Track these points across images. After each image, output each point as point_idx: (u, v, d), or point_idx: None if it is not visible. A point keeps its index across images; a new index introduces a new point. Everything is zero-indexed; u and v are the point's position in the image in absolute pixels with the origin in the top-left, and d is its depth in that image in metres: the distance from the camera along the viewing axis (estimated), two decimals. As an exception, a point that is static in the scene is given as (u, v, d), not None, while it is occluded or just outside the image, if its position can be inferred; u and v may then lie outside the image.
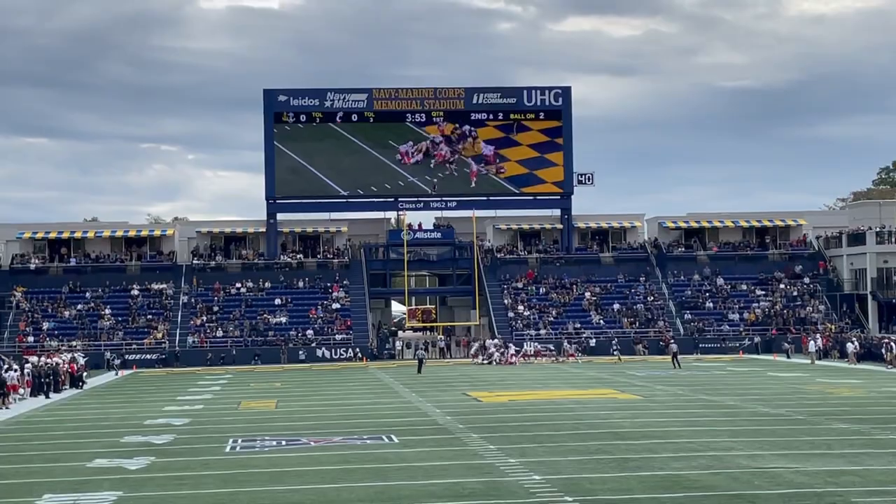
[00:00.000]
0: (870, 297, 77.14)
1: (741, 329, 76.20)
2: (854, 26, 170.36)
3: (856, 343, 62.31)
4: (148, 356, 72.08)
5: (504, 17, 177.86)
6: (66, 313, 76.43)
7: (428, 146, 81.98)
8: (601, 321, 77.30)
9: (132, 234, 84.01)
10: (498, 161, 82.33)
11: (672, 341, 64.65)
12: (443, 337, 77.42)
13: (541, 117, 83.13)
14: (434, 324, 79.94)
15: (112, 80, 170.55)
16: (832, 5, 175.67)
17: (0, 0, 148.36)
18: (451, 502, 19.25)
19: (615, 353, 70.46)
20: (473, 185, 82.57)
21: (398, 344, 76.08)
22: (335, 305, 78.63)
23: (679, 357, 59.55)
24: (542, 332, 75.12)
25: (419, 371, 59.34)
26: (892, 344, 57.81)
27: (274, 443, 28.88)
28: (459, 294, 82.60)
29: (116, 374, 65.25)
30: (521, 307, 78.58)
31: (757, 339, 73.61)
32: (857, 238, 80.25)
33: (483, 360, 67.94)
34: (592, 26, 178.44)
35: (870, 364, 58.87)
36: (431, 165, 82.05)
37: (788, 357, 66.14)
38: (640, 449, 26.16)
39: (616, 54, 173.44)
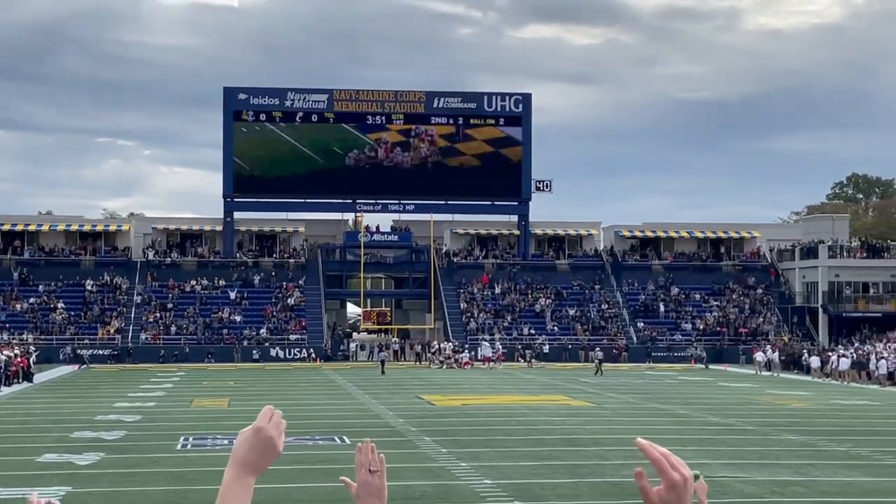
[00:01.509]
0: (821, 311, 78.15)
1: (693, 338, 76.95)
2: (810, 42, 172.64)
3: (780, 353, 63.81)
4: (100, 351, 71.68)
5: (465, 22, 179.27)
6: (18, 306, 75.91)
7: (385, 148, 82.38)
8: (555, 328, 77.73)
9: (87, 228, 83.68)
10: (454, 162, 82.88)
11: (598, 349, 65.51)
12: (397, 340, 77.39)
13: (500, 123, 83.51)
14: (389, 326, 79.88)
15: (69, 72, 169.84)
16: (788, 20, 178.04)
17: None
18: (401, 504, 19.28)
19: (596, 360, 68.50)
20: (426, 176, 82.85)
21: (353, 346, 76.13)
22: (290, 302, 78.68)
23: (603, 365, 61.42)
24: (497, 336, 75.39)
25: (382, 372, 60.15)
26: (834, 356, 59.36)
27: (226, 441, 28.62)
28: (415, 297, 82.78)
29: (87, 366, 65.32)
30: (475, 311, 78.96)
31: (698, 351, 74.16)
32: (809, 252, 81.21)
33: (437, 363, 68.23)
34: (553, 34, 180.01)
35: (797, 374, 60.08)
36: (386, 164, 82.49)
37: (706, 366, 66.75)
38: (592, 455, 26.50)
39: (575, 62, 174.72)
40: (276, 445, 2.90)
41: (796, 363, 64.39)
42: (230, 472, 2.81)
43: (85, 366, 66.54)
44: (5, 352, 54.05)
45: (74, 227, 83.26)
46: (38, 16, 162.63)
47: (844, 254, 79.85)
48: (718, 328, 77.94)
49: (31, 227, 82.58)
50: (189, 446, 28.29)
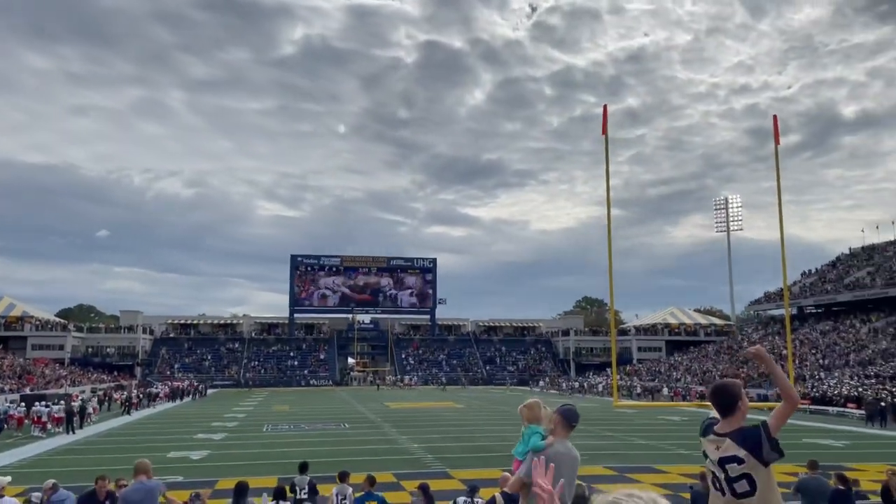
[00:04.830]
0: (572, 361, 78.93)
1: (513, 374, 77.07)
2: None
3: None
4: (226, 382, 69.45)
5: (402, 225, 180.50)
6: (187, 360, 73.76)
7: (369, 283, 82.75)
8: (448, 370, 77.45)
9: (224, 322, 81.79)
10: (400, 290, 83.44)
11: (464, 378, 66.91)
12: (372, 375, 76.74)
13: (422, 272, 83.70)
14: (367, 368, 79.04)
15: (214, 246, 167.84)
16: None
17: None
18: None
19: (441, 385, 68.46)
20: (388, 303, 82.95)
21: (353, 378, 75.17)
22: (321, 357, 77.57)
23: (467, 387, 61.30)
24: (419, 374, 75.14)
25: (378, 389, 60.88)
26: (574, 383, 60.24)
27: (287, 427, 28.61)
28: (381, 354, 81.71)
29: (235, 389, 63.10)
30: (410, 361, 78.65)
31: (511, 382, 74.76)
32: (566, 332, 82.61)
33: (390, 386, 67.64)
34: (444, 230, 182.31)
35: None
36: (368, 293, 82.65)
37: (531, 388, 67.44)
38: (467, 430, 26.32)
39: (456, 243, 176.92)
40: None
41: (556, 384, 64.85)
42: None
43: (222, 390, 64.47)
44: (185, 383, 53.01)
45: (217, 322, 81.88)
46: (198, 222, 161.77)
47: (581, 334, 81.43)
48: (525, 369, 78.42)
49: (195, 322, 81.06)
50: (269, 429, 27.81)
